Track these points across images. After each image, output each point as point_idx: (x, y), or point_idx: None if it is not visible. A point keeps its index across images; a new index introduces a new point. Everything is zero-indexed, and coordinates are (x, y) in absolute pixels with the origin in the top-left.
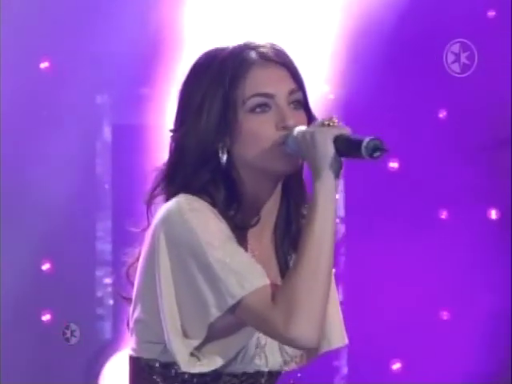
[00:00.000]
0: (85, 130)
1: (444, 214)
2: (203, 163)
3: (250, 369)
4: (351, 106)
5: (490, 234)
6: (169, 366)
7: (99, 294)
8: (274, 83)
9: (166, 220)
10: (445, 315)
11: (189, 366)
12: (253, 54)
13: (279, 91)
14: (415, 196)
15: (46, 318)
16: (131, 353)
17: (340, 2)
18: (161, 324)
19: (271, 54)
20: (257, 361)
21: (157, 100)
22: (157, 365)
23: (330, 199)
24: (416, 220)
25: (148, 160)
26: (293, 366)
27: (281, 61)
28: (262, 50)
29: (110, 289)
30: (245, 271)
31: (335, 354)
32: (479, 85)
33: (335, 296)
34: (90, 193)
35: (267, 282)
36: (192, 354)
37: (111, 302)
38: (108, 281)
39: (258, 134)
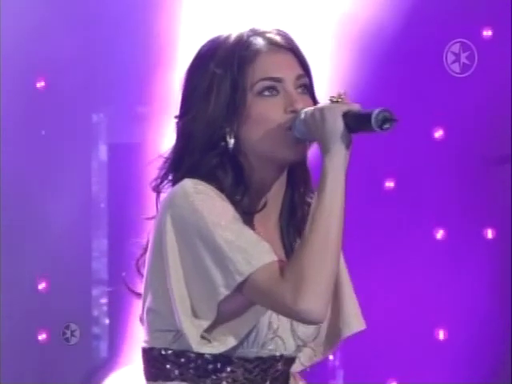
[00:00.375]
0: (80, 149)
1: (440, 234)
2: (211, 148)
3: (263, 353)
4: None
5: (486, 254)
6: (182, 354)
7: (95, 313)
8: (282, 68)
9: (172, 204)
10: (441, 334)
11: (200, 346)
12: (260, 40)
13: (287, 76)
14: (411, 215)
15: (42, 337)
16: (144, 345)
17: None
18: (172, 311)
19: (278, 40)
20: (269, 345)
21: (153, 119)
22: (169, 353)
23: (339, 174)
24: (412, 239)
25: (144, 179)
26: (319, 356)
27: (288, 46)
28: (268, 35)
29: (105, 308)
30: (251, 248)
31: (331, 374)
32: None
33: (349, 282)
34: (85, 212)
35: (274, 258)
36: (203, 337)
37: (107, 321)
38: (104, 300)
39: (266, 117)
